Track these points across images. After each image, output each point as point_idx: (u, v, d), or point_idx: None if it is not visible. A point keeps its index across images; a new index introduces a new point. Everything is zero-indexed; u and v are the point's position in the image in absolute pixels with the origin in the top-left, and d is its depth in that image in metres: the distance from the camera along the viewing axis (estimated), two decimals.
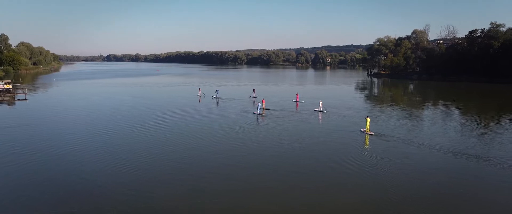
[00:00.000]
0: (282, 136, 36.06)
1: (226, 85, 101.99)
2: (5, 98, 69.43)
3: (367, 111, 52.49)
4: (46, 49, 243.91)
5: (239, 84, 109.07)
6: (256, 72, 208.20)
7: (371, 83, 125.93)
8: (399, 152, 30.15)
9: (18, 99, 68.32)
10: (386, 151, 30.20)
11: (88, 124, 42.23)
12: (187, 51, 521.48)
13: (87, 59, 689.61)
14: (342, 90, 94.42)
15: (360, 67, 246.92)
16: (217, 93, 69.46)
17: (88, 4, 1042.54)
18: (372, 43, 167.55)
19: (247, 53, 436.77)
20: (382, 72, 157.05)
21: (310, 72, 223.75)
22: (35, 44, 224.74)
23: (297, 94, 63.60)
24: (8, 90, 76.46)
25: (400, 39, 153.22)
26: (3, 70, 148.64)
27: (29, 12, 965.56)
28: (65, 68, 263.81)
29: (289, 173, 24.44)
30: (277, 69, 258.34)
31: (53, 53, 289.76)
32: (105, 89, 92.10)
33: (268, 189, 21.54)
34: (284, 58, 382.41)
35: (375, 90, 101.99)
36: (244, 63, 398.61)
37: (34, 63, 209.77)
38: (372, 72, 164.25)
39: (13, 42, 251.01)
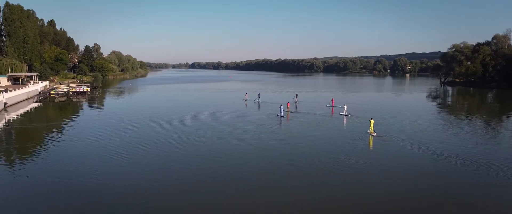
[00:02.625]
0: (294, 135, 39.29)
1: (280, 91, 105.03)
2: (79, 98, 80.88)
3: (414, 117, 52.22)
4: (133, 57, 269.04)
5: (295, 90, 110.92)
6: (326, 80, 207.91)
7: (443, 91, 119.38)
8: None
9: (90, 100, 78.83)
10: (387, 152, 31.83)
11: (122, 124, 49.63)
12: (266, 59, 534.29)
13: (174, 66, 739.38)
14: (404, 98, 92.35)
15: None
16: (259, 97, 73.17)
17: (178, 19, 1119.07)
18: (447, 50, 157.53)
19: (324, 60, 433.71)
20: (457, 80, 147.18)
21: (384, 80, 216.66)
22: (128, 53, 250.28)
23: (332, 100, 64.63)
24: (84, 92, 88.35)
25: (478, 45, 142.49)
26: (93, 76, 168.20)
27: (126, 26, 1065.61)
28: (150, 75, 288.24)
29: (277, 170, 26.62)
30: (352, 77, 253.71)
31: (140, 61, 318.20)
32: (166, 93, 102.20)
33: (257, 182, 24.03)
34: (361, 66, 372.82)
35: (441, 99, 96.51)
36: (321, 71, 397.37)
37: (121, 70, 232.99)
38: (446, 80, 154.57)
39: (107, 50, 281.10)
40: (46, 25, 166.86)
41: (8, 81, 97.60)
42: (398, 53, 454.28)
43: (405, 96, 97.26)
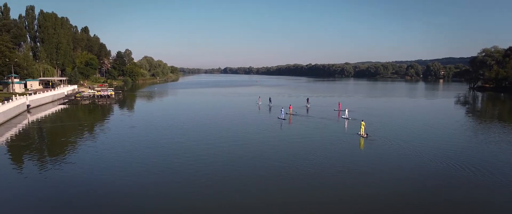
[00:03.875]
0: (290, 137, 40.29)
1: (298, 96, 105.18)
2: (102, 101, 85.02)
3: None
4: (164, 62, 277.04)
5: (313, 94, 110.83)
6: (353, 85, 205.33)
7: (469, 97, 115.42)
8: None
9: (113, 103, 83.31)
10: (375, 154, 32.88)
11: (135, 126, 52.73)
12: (296, 64, 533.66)
13: (206, 71, 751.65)
14: (422, 103, 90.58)
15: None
16: (270, 101, 74.35)
17: (212, 26, 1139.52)
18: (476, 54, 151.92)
19: (355, 65, 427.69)
20: (486, 85, 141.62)
21: (414, 85, 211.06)
22: (160, 58, 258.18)
23: (339, 104, 64.73)
24: (108, 96, 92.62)
25: (510, 49, 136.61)
26: (123, 80, 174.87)
27: (162, 33, 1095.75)
28: (182, 79, 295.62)
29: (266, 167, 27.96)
30: (383, 82, 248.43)
31: (171, 66, 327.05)
32: (187, 96, 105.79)
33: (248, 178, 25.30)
34: (393, 71, 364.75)
35: (460, 105, 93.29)
36: (351, 76, 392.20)
37: (152, 75, 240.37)
38: (475, 86, 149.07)
39: (140, 55, 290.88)
40: (80, 32, 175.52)
41: (39, 85, 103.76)
42: (434, 58, 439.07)
43: (423, 102, 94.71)
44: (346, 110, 55.75)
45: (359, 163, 29.25)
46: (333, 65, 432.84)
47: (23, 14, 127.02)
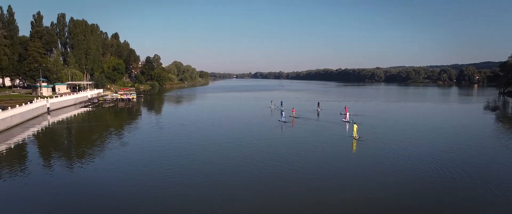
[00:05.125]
0: (287, 139, 42.08)
1: (314, 100, 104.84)
2: (124, 104, 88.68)
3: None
4: (193, 67, 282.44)
5: (333, 99, 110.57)
6: (379, 90, 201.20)
7: (496, 102, 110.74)
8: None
9: (133, 106, 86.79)
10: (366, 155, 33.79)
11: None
12: (326, 68, 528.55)
13: (237, 76, 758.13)
14: (439, 108, 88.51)
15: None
16: (281, 104, 75.29)
17: (242, 31, 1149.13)
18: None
19: (386, 70, 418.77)
20: None
21: (444, 90, 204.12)
22: (189, 63, 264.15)
23: (346, 108, 64.63)
24: (129, 99, 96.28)
25: None
26: (150, 85, 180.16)
27: (195, 38, 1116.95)
28: (211, 84, 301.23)
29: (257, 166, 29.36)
30: (413, 87, 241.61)
31: (201, 71, 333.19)
32: (207, 100, 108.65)
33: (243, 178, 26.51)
34: (425, 76, 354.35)
35: (481, 110, 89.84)
36: (382, 81, 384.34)
37: (180, 79, 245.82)
38: (506, 91, 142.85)
39: (169, 61, 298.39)
40: (110, 38, 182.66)
41: (67, 89, 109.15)
42: (471, 62, 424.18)
43: (441, 107, 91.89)
44: (347, 114, 56.45)
45: (348, 165, 30.59)
46: (363, 70, 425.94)
47: (55, 21, 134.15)
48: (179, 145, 37.78)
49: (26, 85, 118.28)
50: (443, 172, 27.29)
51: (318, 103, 76.07)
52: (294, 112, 60.42)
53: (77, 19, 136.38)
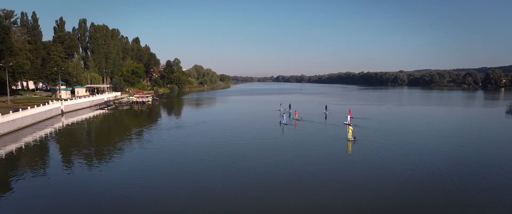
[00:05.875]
0: (287, 139, 44.06)
1: (326, 103, 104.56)
2: (138, 107, 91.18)
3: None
4: (213, 70, 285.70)
5: (348, 103, 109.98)
6: (399, 93, 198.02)
7: None
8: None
9: (148, 109, 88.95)
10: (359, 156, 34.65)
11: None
12: (348, 72, 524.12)
13: (259, 80, 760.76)
14: (450, 112, 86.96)
15: None
16: (290, 107, 75.93)
17: (264, 35, 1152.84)
18: None
19: (409, 73, 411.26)
20: None
21: (469, 93, 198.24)
22: (210, 67, 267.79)
23: (350, 111, 64.73)
24: (143, 102, 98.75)
25: None
26: (169, 88, 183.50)
27: (217, 43, 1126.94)
28: (233, 87, 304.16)
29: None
30: (438, 91, 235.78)
31: (221, 74, 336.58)
32: (222, 103, 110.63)
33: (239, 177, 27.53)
34: (450, 79, 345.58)
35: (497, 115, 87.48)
36: (405, 84, 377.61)
37: (200, 83, 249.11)
38: None
39: (190, 64, 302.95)
40: (131, 42, 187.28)
41: (86, 92, 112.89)
42: (500, 66, 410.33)
43: (456, 110, 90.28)
44: (348, 117, 56.74)
45: (343, 165, 31.65)
46: (386, 73, 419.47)
47: (77, 26, 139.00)
48: (177, 146, 39.25)
49: (48, 88, 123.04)
50: (424, 176, 27.23)
51: (326, 106, 76.19)
52: (297, 115, 61.21)
53: (97, 24, 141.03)
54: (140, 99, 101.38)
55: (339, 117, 64.92)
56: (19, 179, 26.90)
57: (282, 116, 56.52)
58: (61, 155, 36.49)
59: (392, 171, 28.64)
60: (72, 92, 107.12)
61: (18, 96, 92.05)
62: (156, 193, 23.28)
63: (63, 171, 29.86)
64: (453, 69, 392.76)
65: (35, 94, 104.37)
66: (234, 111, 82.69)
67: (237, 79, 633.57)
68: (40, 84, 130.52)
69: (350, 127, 42.39)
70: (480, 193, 23.62)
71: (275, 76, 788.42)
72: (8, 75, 78.82)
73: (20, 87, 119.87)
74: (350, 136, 40.97)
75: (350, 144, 39.47)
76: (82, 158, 34.22)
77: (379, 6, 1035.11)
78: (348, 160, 34.28)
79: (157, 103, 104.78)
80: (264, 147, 38.31)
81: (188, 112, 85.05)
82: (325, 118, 65.83)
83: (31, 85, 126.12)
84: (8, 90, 74.89)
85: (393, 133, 48.07)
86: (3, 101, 72.17)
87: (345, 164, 32.23)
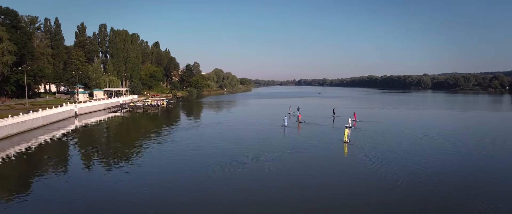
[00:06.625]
0: (287, 141, 45.15)
1: (336, 107, 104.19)
2: (153, 110, 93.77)
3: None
4: (233, 74, 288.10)
5: (363, 107, 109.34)
6: (420, 97, 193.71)
7: None
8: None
9: (162, 111, 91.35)
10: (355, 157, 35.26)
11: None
12: (371, 75, 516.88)
13: (281, 83, 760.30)
14: (462, 116, 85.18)
15: None
16: (298, 110, 76.42)
17: (286, 38, 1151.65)
18: None
19: (433, 77, 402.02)
20: None
21: (494, 97, 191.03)
22: (229, 70, 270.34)
23: (355, 114, 64.57)
24: (157, 105, 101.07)
25: None
26: (188, 91, 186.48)
27: (239, 47, 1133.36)
28: (254, 90, 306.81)
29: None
30: (463, 95, 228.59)
31: (242, 78, 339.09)
32: (235, 106, 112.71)
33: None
34: (475, 83, 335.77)
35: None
36: (429, 88, 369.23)
37: (219, 86, 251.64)
38: None
39: (210, 68, 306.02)
40: (150, 47, 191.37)
41: (104, 94, 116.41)
42: None
43: (470, 114, 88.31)
44: (349, 119, 56.76)
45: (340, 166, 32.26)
46: (409, 76, 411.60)
47: (97, 31, 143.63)
48: (188, 143, 41.45)
49: (68, 91, 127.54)
50: (411, 179, 27.30)
51: (334, 110, 76.05)
52: (300, 117, 62.07)
53: (117, 29, 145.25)
54: (155, 102, 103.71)
55: (343, 121, 64.84)
56: (19, 180, 28.64)
57: (284, 119, 57.22)
58: (63, 156, 37.85)
59: (379, 174, 28.73)
60: (91, 95, 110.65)
61: (39, 99, 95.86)
62: (156, 193, 24.22)
63: (63, 171, 31.00)
64: (479, 73, 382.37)
65: (55, 97, 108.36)
66: (246, 114, 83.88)
67: (259, 83, 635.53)
68: (62, 87, 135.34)
69: (346, 129, 43.23)
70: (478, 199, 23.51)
71: (297, 79, 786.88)
72: (29, 79, 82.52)
73: (42, 90, 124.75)
74: (346, 137, 41.59)
75: (346, 146, 39.94)
76: (85, 159, 35.51)
77: (404, 9, 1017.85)
78: (339, 162, 34.19)
79: (171, 106, 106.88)
80: (264, 148, 39.17)
81: (201, 114, 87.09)
82: (333, 121, 65.82)
83: (53, 88, 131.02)
84: (26, 93, 78.28)
85: (393, 136, 47.97)
86: (22, 104, 75.52)
87: (336, 166, 32.42)
